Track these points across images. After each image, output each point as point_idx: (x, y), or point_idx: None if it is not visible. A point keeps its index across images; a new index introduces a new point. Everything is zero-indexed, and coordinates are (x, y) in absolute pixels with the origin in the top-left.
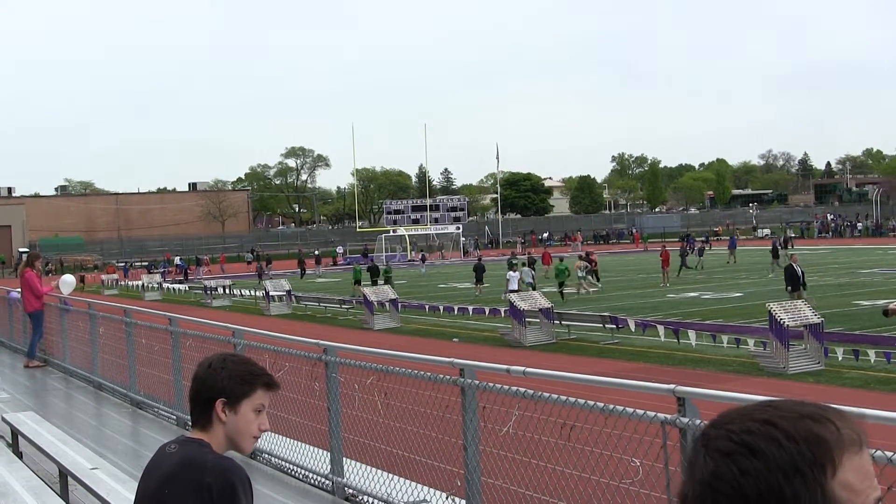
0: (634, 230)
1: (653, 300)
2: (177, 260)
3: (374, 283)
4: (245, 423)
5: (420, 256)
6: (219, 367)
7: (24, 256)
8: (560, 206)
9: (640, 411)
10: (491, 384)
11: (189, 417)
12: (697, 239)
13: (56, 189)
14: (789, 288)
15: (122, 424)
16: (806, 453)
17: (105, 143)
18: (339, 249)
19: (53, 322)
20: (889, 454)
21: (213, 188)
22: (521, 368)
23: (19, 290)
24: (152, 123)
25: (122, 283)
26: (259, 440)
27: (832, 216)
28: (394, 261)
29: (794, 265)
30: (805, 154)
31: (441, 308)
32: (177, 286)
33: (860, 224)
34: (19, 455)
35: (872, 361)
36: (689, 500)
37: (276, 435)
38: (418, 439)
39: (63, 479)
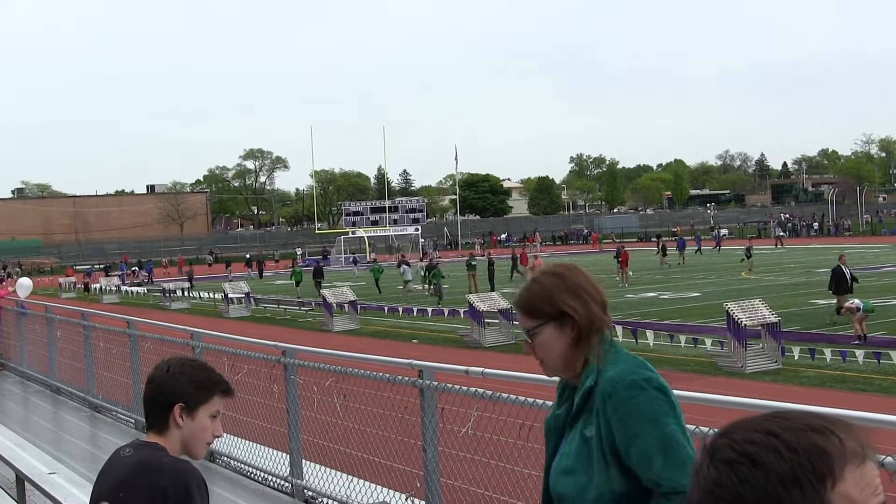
0: (593, 231)
1: (611, 300)
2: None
3: (319, 286)
4: (201, 429)
5: (352, 259)
6: (177, 372)
7: None
8: (519, 207)
9: None
10: (450, 385)
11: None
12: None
13: (13, 191)
14: (833, 289)
15: (80, 428)
16: (806, 464)
17: (62, 145)
18: (298, 251)
19: (10, 325)
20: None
21: (171, 190)
22: (480, 369)
23: None
24: (110, 125)
25: (81, 285)
26: (216, 443)
27: (787, 216)
28: (349, 262)
29: (841, 266)
30: (762, 154)
31: (400, 310)
32: (135, 289)
33: (816, 224)
34: None
35: (828, 360)
36: None
37: (235, 437)
38: (378, 441)
39: (20, 484)
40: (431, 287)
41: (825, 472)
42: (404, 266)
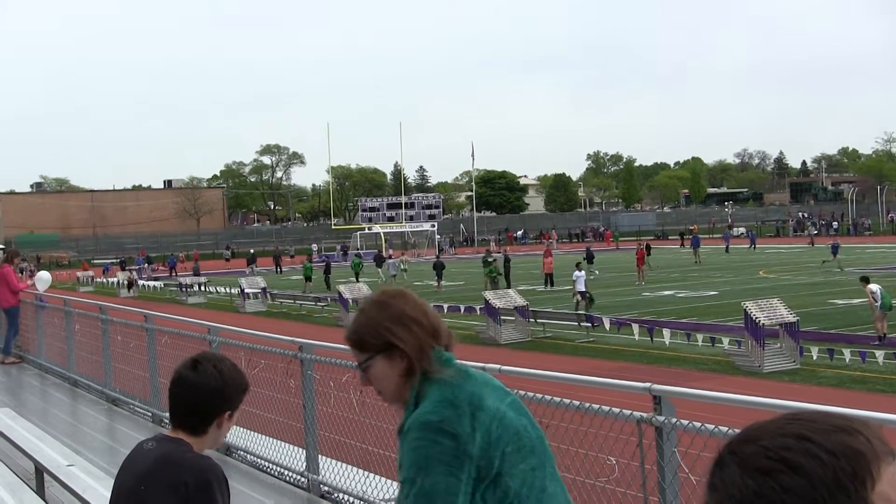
0: (607, 229)
1: (628, 298)
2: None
3: (327, 282)
4: (228, 429)
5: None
6: (229, 378)
7: (2, 253)
8: (535, 204)
9: (616, 409)
10: None
11: (166, 414)
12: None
13: (31, 186)
14: None
15: (98, 421)
16: (846, 468)
17: (80, 140)
18: (314, 247)
19: (29, 319)
20: None
21: (188, 185)
22: (496, 366)
23: None
24: (128, 121)
25: (99, 279)
26: (233, 438)
27: (806, 215)
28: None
29: None
30: (780, 153)
31: None
32: (152, 283)
33: (836, 223)
34: None
35: (847, 360)
36: None
37: (252, 432)
38: (394, 437)
39: (39, 476)
40: (489, 280)
41: (864, 474)
42: (388, 261)
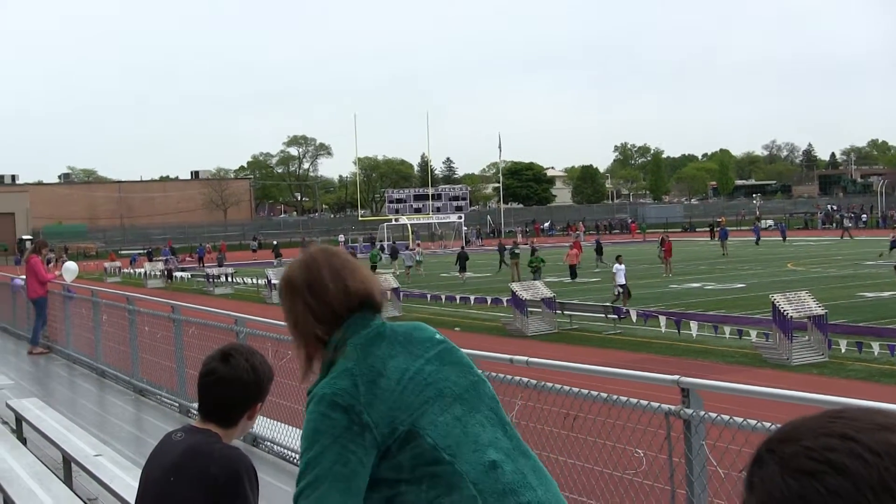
0: (633, 221)
1: (656, 290)
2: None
3: None
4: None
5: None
6: (261, 372)
7: (28, 244)
8: (562, 195)
9: (644, 402)
10: (493, 374)
11: (193, 405)
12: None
13: (59, 177)
14: None
15: (125, 411)
16: (891, 468)
17: (108, 130)
18: (340, 238)
19: (57, 309)
20: None
21: (215, 176)
22: (524, 358)
23: (23, 276)
24: (155, 112)
25: (127, 271)
26: (260, 429)
27: (835, 207)
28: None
29: None
30: (809, 145)
31: (443, 297)
32: (179, 274)
33: (864, 216)
34: (23, 441)
35: (876, 353)
36: None
37: (279, 423)
38: None
39: (67, 466)
40: (532, 272)
41: None
42: (402, 253)
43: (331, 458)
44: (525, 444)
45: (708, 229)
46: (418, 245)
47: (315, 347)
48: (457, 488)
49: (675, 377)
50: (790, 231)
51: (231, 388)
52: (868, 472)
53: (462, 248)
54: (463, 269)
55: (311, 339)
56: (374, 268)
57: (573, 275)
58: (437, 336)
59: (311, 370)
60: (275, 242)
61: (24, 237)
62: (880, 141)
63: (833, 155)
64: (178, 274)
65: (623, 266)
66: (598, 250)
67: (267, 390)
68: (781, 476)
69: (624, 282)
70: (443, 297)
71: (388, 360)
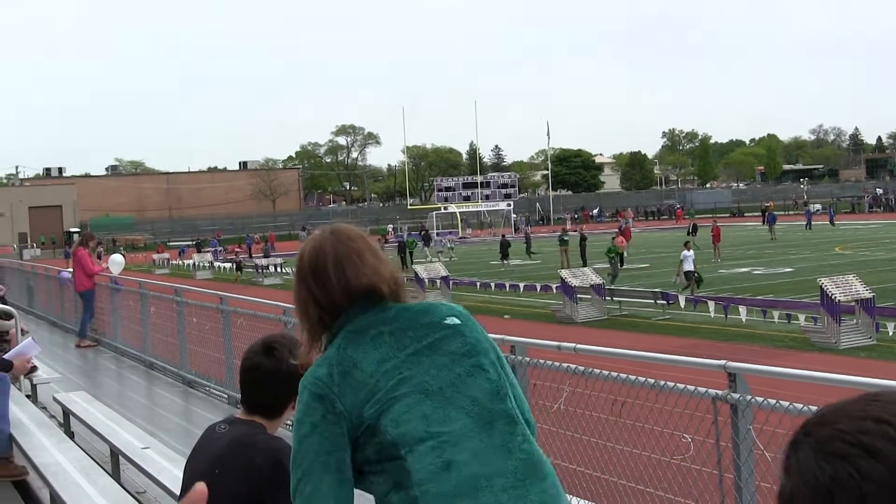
0: (679, 207)
1: (704, 276)
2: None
3: (402, 262)
4: None
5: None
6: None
7: (76, 236)
8: (611, 182)
9: (691, 387)
10: (542, 361)
11: (240, 396)
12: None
13: (107, 169)
14: None
15: (174, 403)
16: None
17: (155, 122)
18: (389, 227)
19: (104, 302)
20: None
21: (263, 167)
22: (572, 345)
23: (70, 270)
24: (202, 102)
25: (175, 262)
26: None
27: (882, 191)
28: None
29: None
30: (856, 129)
31: (492, 285)
32: (226, 265)
33: None
34: (71, 435)
35: None
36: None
37: None
38: None
39: (114, 459)
40: (609, 261)
41: None
42: (434, 239)
43: (314, 449)
44: (523, 443)
45: (760, 214)
46: (450, 233)
47: (317, 331)
48: (403, 487)
49: (722, 362)
50: (838, 215)
51: (276, 381)
52: None
53: (503, 235)
54: (505, 256)
55: (315, 322)
56: (411, 254)
57: (620, 262)
58: (447, 320)
59: (312, 352)
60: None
61: (72, 230)
62: None
63: (879, 139)
64: (224, 265)
65: (691, 252)
66: (624, 235)
67: None
68: (815, 460)
69: (692, 268)
70: (492, 284)
71: (370, 350)
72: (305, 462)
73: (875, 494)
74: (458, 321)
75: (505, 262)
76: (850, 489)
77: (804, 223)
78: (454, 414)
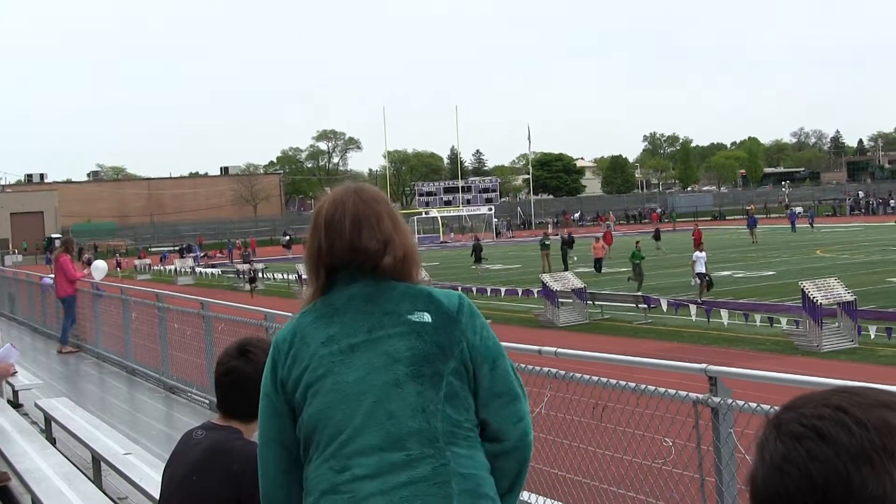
0: (653, 211)
1: (685, 279)
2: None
3: None
4: None
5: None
6: None
7: (57, 242)
8: (592, 186)
9: (672, 391)
10: (522, 365)
11: (216, 401)
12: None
13: (88, 175)
14: None
15: (156, 409)
16: (875, 440)
17: (137, 128)
18: None
19: (86, 307)
20: None
21: (244, 172)
22: (553, 349)
23: (52, 275)
24: (184, 108)
25: (157, 267)
26: None
27: (863, 194)
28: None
29: None
30: (837, 132)
31: (474, 289)
32: (209, 270)
33: (892, 201)
34: (52, 441)
35: None
36: (759, 483)
37: None
38: None
39: (96, 465)
40: (633, 267)
41: (894, 449)
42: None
43: (263, 417)
44: (434, 466)
45: (744, 217)
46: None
47: (320, 286)
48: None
49: (703, 366)
50: (820, 218)
51: (253, 384)
52: (850, 441)
53: (476, 239)
54: (478, 260)
55: (322, 286)
56: None
57: (597, 268)
58: (414, 316)
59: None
60: (286, 237)
61: (53, 236)
62: None
63: (861, 141)
64: (208, 271)
65: (704, 254)
66: (570, 244)
67: None
68: (774, 440)
69: (704, 270)
70: (474, 289)
71: (322, 327)
72: (260, 430)
73: (819, 474)
74: (428, 319)
75: (476, 265)
76: (797, 467)
77: (787, 226)
78: (361, 422)
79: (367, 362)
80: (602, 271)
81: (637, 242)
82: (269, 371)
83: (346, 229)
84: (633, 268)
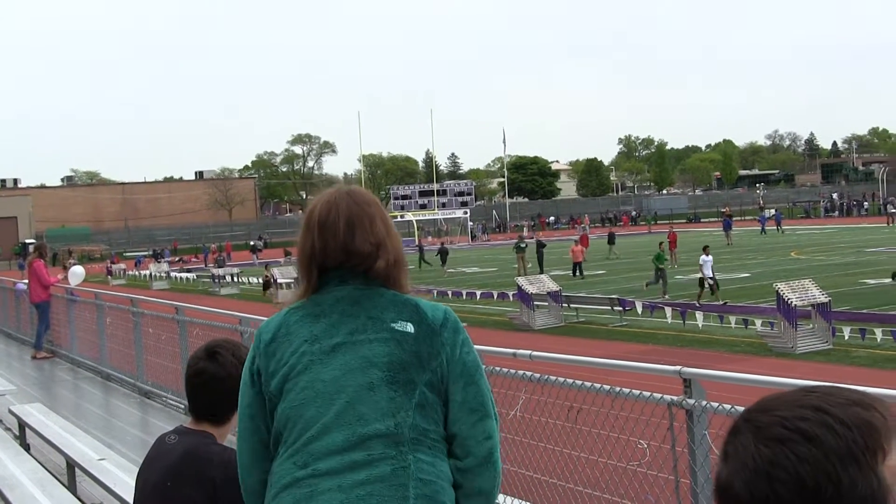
0: (624, 214)
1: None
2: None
3: None
4: None
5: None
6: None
7: (31, 248)
8: (567, 189)
9: (647, 393)
10: (497, 368)
11: (188, 404)
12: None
13: (62, 179)
14: None
15: (131, 414)
16: (859, 440)
17: (111, 132)
18: None
19: (60, 313)
20: None
21: (219, 176)
22: (528, 352)
23: (26, 281)
24: (158, 112)
25: (134, 273)
26: None
27: (838, 195)
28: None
29: None
30: (811, 134)
31: (449, 293)
32: (184, 275)
33: (866, 203)
34: (26, 447)
35: (879, 340)
36: (738, 488)
37: None
38: None
39: (70, 471)
40: (656, 269)
41: (877, 447)
42: None
43: (241, 407)
44: (392, 467)
45: (719, 219)
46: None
47: (311, 285)
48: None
49: (677, 368)
50: (794, 220)
51: (223, 386)
52: (837, 441)
53: (442, 243)
54: (444, 262)
55: (313, 284)
56: None
57: (576, 272)
58: (397, 324)
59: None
60: (250, 243)
61: (27, 241)
62: (881, 128)
63: (835, 143)
64: (183, 275)
65: (710, 258)
66: (539, 246)
67: None
68: (755, 444)
69: (711, 273)
70: (449, 292)
71: (307, 325)
72: (239, 422)
73: (810, 476)
74: (411, 329)
75: (444, 268)
76: (787, 471)
77: (758, 228)
78: (331, 421)
79: (345, 363)
80: (584, 275)
81: (661, 244)
82: (248, 361)
83: (339, 230)
84: (656, 271)
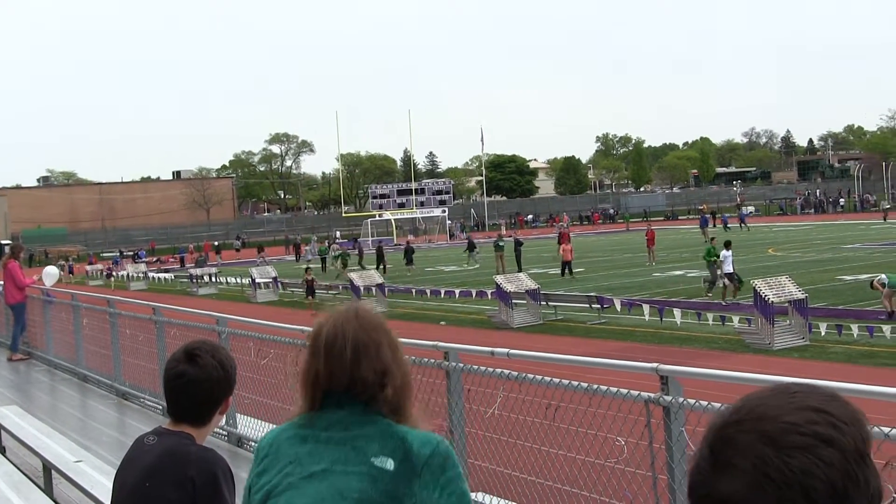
0: (595, 212)
1: (639, 279)
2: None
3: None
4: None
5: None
6: (229, 366)
7: (6, 249)
8: (545, 187)
9: (624, 390)
10: (476, 367)
11: (167, 406)
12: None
13: (38, 180)
14: None
15: (108, 416)
16: (858, 434)
17: (87, 132)
18: (314, 237)
19: (36, 314)
20: (886, 430)
21: (197, 176)
22: (506, 350)
23: (1, 283)
24: (135, 112)
25: (114, 274)
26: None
27: (816, 192)
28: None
29: None
30: (788, 131)
31: (428, 292)
32: (162, 275)
33: (842, 200)
34: (2, 450)
35: (855, 336)
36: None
37: (263, 422)
38: None
39: (47, 473)
40: (707, 264)
41: (868, 436)
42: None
43: None
44: None
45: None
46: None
47: (312, 406)
48: None
49: (654, 365)
50: (770, 217)
51: (203, 388)
52: (846, 441)
53: (408, 242)
54: (410, 262)
55: (316, 400)
56: (323, 260)
57: (564, 271)
58: (377, 461)
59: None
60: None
61: (2, 242)
62: (856, 126)
63: (811, 141)
64: (161, 275)
65: (730, 253)
66: (470, 247)
67: (235, 382)
68: (777, 455)
69: (732, 270)
70: (428, 291)
71: (295, 445)
72: None
73: (839, 480)
74: (390, 466)
75: (409, 266)
76: (820, 479)
77: (735, 225)
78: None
79: (318, 493)
80: (573, 273)
81: (712, 239)
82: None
83: (346, 359)
84: (709, 266)
